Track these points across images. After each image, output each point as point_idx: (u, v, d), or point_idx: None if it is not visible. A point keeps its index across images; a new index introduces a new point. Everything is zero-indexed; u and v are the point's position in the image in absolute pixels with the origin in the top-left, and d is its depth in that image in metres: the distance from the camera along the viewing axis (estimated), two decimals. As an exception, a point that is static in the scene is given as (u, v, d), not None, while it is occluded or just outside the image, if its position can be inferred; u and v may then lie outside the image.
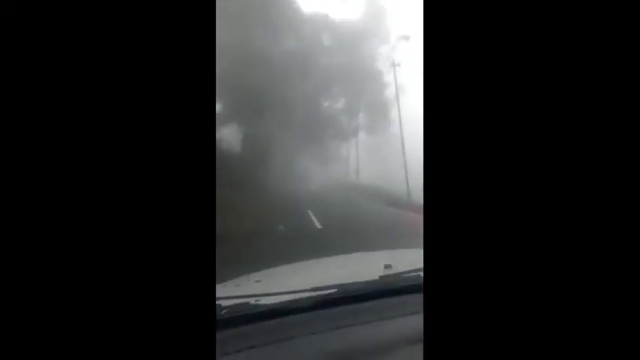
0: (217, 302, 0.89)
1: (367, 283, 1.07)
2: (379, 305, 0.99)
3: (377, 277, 1.10)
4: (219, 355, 0.72)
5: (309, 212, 9.14)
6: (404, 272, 1.13)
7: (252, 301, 0.94)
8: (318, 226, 7.37)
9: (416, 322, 0.82)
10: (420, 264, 1.06)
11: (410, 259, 1.17)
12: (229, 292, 1.01)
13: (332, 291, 1.01)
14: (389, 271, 1.15)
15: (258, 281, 1.33)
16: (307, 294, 0.98)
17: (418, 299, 0.94)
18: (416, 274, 1.10)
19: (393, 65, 16.60)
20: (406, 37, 17.47)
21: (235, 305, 0.92)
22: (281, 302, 0.95)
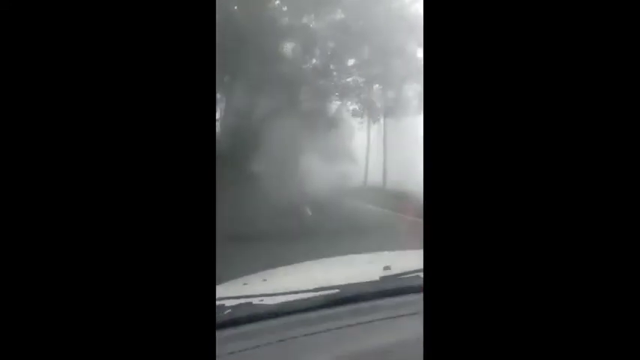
0: (221, 302, 0.91)
1: (368, 283, 1.09)
2: (380, 306, 1.01)
3: (377, 278, 1.12)
4: (224, 355, 0.73)
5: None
6: (402, 273, 1.15)
7: (255, 301, 0.95)
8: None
9: (417, 323, 0.83)
10: (418, 265, 1.10)
11: (408, 261, 1.20)
12: (236, 291, 1.03)
13: (334, 291, 1.02)
14: (388, 272, 1.17)
15: (265, 280, 1.35)
16: (310, 294, 1.00)
17: (418, 300, 0.96)
18: (415, 275, 1.12)
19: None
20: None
21: (239, 305, 0.93)
22: (284, 302, 0.96)
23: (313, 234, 6.01)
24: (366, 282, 1.10)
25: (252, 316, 0.91)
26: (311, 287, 1.02)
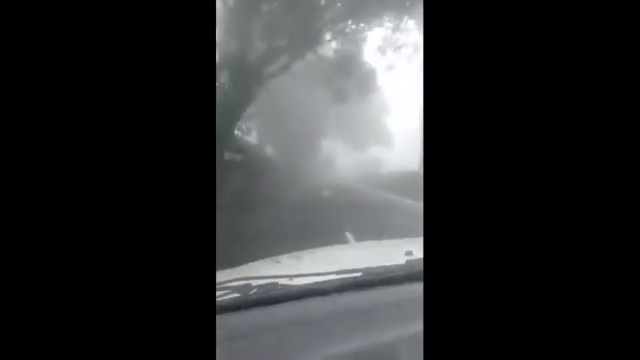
0: (248, 282, 0.94)
1: (394, 267, 1.09)
2: (406, 290, 1.00)
3: (403, 262, 1.11)
4: (244, 336, 0.76)
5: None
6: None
7: (280, 281, 0.96)
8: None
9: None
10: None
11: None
12: (265, 271, 1.06)
13: (358, 274, 1.02)
14: (410, 257, 1.15)
15: (279, 262, 1.39)
16: (333, 276, 1.00)
17: None
18: None
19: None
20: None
21: (263, 285, 0.94)
22: (308, 284, 0.97)
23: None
24: (391, 265, 1.09)
25: (276, 297, 0.93)
26: (334, 270, 1.03)
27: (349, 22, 12.41)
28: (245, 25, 10.78)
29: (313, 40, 11.87)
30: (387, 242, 1.73)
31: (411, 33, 12.72)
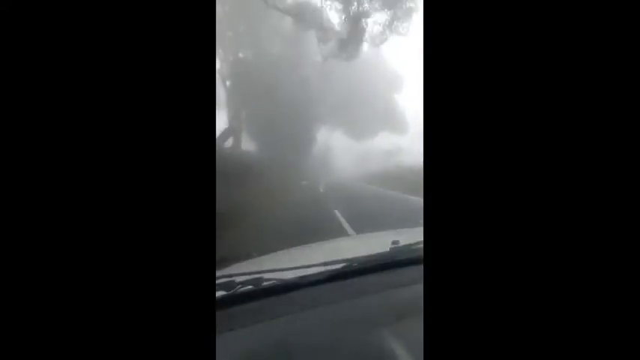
0: (232, 278, 0.94)
1: (378, 255, 1.11)
2: (390, 276, 1.03)
3: (387, 250, 1.13)
4: (223, 332, 0.76)
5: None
6: (413, 244, 1.16)
7: (264, 276, 0.97)
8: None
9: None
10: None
11: (417, 235, 1.20)
12: (251, 268, 1.06)
13: (342, 265, 1.04)
14: (397, 246, 1.17)
15: (263, 258, 1.43)
16: (317, 269, 1.02)
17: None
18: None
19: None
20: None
21: (247, 281, 0.95)
22: (292, 278, 0.98)
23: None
24: (376, 254, 1.11)
25: (260, 290, 0.94)
26: (319, 262, 1.05)
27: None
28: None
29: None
30: (381, 233, 1.74)
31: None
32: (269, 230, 5.97)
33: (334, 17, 12.59)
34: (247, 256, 1.52)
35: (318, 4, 12.32)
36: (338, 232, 5.32)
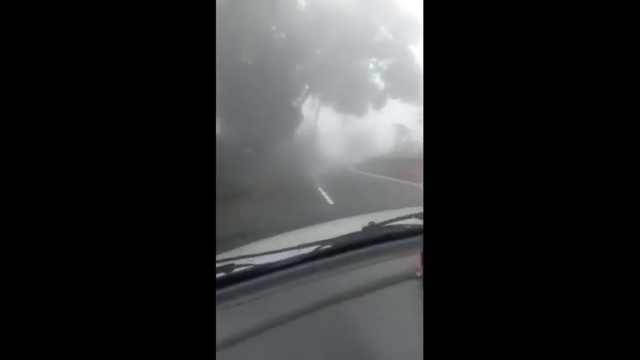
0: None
1: (349, 236, 1.17)
2: (361, 254, 1.09)
3: (360, 229, 1.20)
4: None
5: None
6: (385, 222, 1.23)
7: (235, 262, 1.01)
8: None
9: (397, 264, 0.98)
10: (401, 214, 1.23)
11: (395, 214, 1.27)
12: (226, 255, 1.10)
13: (315, 247, 1.09)
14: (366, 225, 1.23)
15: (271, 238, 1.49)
16: (290, 253, 1.07)
17: (399, 244, 1.11)
18: (397, 222, 1.21)
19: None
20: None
21: (218, 268, 0.99)
22: (263, 263, 1.03)
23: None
24: (348, 234, 1.17)
25: (232, 276, 0.99)
26: (295, 245, 1.10)
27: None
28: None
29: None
30: (348, 219, 1.78)
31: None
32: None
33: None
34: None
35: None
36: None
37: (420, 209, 1.20)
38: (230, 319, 0.82)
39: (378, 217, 1.29)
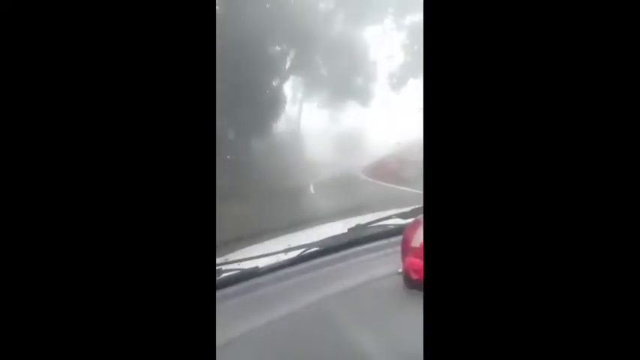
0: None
1: (334, 237, 1.21)
2: (347, 255, 1.14)
3: (345, 231, 1.24)
4: None
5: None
6: (370, 222, 1.28)
7: (222, 268, 1.04)
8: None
9: (380, 262, 1.03)
10: (385, 215, 1.28)
11: (378, 215, 1.33)
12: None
13: (300, 251, 1.13)
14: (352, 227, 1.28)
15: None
16: (277, 257, 1.10)
17: (383, 244, 1.16)
18: (380, 222, 1.27)
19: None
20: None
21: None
22: (250, 267, 1.06)
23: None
24: (332, 237, 1.21)
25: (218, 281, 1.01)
26: (281, 249, 1.13)
27: None
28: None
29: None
30: (334, 223, 1.81)
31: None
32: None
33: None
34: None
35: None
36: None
37: (402, 210, 1.29)
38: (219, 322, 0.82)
39: (365, 219, 1.34)
